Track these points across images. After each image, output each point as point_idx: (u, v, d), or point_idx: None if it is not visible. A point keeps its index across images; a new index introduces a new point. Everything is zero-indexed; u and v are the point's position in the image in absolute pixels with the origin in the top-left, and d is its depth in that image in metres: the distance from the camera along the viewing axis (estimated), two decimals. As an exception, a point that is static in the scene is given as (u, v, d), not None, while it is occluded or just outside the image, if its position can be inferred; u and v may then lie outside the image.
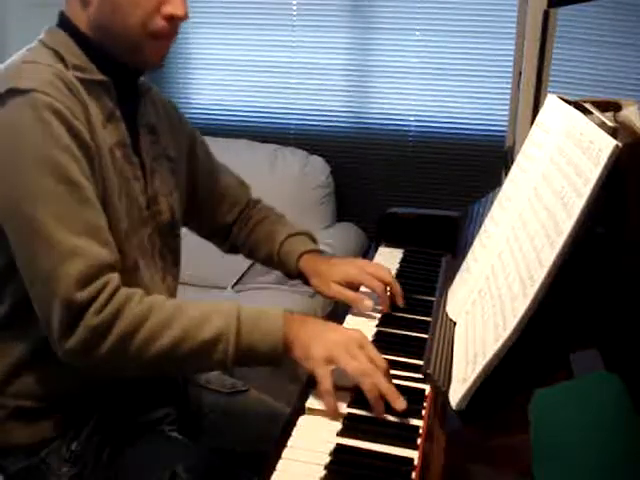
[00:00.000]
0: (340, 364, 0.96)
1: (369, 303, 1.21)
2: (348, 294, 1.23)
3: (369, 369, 0.94)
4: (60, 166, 0.97)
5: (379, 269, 1.27)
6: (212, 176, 1.36)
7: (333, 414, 0.93)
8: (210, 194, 1.35)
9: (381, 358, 0.98)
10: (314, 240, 1.36)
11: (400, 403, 0.93)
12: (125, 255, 1.07)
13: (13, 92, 0.97)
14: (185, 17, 1.08)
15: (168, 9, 1.06)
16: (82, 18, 1.08)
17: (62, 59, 1.05)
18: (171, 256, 1.23)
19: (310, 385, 0.99)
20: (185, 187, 1.29)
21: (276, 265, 1.36)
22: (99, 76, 1.08)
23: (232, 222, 1.39)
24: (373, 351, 0.98)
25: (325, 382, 0.95)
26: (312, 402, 0.96)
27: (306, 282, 1.32)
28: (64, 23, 1.10)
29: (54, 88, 0.99)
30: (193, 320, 0.98)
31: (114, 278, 0.99)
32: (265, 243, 1.36)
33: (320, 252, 1.34)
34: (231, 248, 1.43)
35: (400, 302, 1.23)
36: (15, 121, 0.97)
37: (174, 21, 1.08)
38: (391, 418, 0.93)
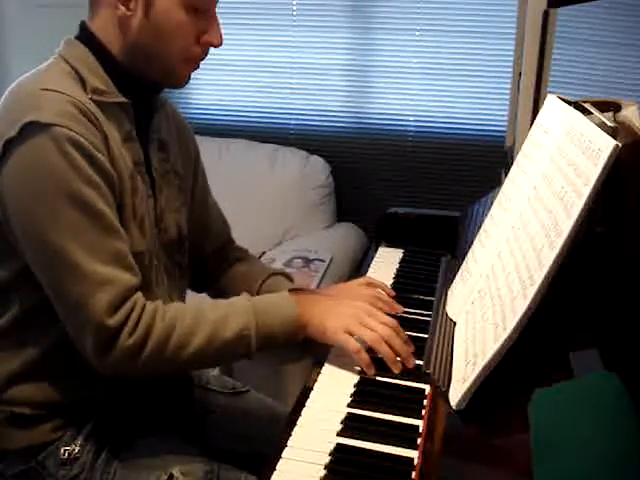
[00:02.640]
0: (356, 334, 1.04)
1: None
2: None
3: (384, 335, 1.04)
4: (84, 198, 0.98)
5: (363, 285, 1.25)
6: (204, 205, 1.35)
7: (368, 369, 1.02)
8: (197, 222, 1.32)
9: (390, 320, 1.08)
10: (291, 280, 1.33)
11: (411, 362, 1.03)
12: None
13: (33, 125, 0.97)
14: (221, 45, 1.10)
15: (207, 39, 1.08)
16: (115, 39, 1.07)
17: (82, 80, 1.05)
18: (177, 271, 1.23)
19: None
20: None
21: None
22: (118, 98, 1.08)
23: (208, 256, 1.37)
24: (382, 317, 1.08)
25: (351, 343, 1.04)
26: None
27: None
28: (87, 37, 1.09)
29: (74, 120, 0.99)
30: (215, 323, 1.04)
31: (139, 298, 1.03)
32: (242, 282, 1.32)
33: (301, 290, 1.28)
34: (199, 284, 1.40)
35: (395, 310, 1.20)
36: (38, 156, 0.98)
37: (209, 47, 1.10)
38: (391, 418, 0.93)
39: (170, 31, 1.05)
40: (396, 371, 1.02)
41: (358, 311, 1.08)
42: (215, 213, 1.38)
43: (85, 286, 0.98)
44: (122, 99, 1.08)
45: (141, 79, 1.10)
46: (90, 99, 1.04)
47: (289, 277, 1.34)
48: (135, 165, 1.10)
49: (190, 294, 1.35)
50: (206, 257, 1.37)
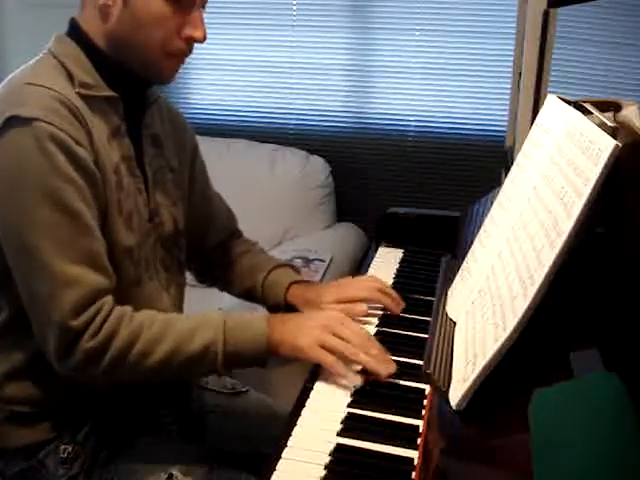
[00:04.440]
0: (329, 345, 1.01)
1: (364, 307, 1.19)
2: (340, 306, 1.20)
3: (358, 343, 1.01)
4: (61, 196, 0.98)
5: (370, 280, 1.26)
6: (205, 196, 1.35)
7: (347, 378, 0.99)
8: (199, 214, 1.32)
9: (361, 327, 1.07)
10: (297, 272, 1.33)
11: (392, 367, 1.01)
12: (126, 271, 1.09)
13: (16, 120, 0.97)
14: (204, 40, 1.08)
15: (189, 31, 1.07)
16: (98, 30, 1.07)
17: (69, 74, 1.05)
18: (175, 265, 1.23)
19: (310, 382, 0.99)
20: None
21: (259, 297, 1.30)
22: (107, 92, 1.08)
23: (213, 248, 1.37)
24: (352, 324, 1.06)
25: (325, 357, 1.01)
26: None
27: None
28: (76, 32, 1.09)
29: (57, 115, 0.99)
30: (182, 334, 1.02)
31: (108, 301, 1.02)
32: (248, 275, 1.32)
33: (306, 282, 1.30)
34: (206, 276, 1.40)
35: (398, 308, 1.21)
36: (17, 151, 0.98)
37: (192, 42, 1.08)
38: (391, 418, 0.93)
39: (149, 21, 1.04)
40: (383, 375, 0.99)
41: (328, 321, 1.05)
42: (217, 204, 1.38)
43: (52, 285, 0.98)
44: (110, 93, 1.08)
45: (130, 72, 1.10)
46: (77, 93, 1.03)
47: (295, 268, 1.33)
48: (124, 160, 1.09)
49: (199, 290, 1.34)
50: (210, 249, 1.37)
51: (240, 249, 1.37)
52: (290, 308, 1.26)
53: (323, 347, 1.02)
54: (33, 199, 0.97)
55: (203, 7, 1.11)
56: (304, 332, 1.04)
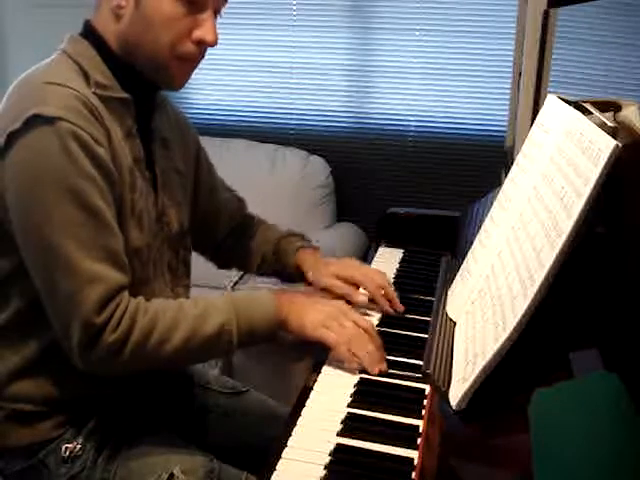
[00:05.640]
0: (333, 330, 1.07)
1: (364, 298, 1.24)
2: (343, 287, 1.26)
3: (357, 335, 1.06)
4: (82, 194, 0.99)
5: (375, 272, 1.30)
6: (212, 191, 1.37)
7: (350, 363, 1.05)
8: (208, 209, 1.35)
9: (364, 320, 1.10)
10: (309, 241, 1.38)
11: (383, 366, 1.04)
12: (134, 271, 1.09)
13: (38, 118, 0.97)
14: (215, 43, 1.08)
15: (199, 34, 1.06)
16: (111, 31, 1.07)
17: (85, 74, 1.05)
18: (182, 267, 1.24)
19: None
20: (191, 199, 1.29)
21: (271, 263, 1.37)
22: (121, 93, 1.08)
23: (225, 236, 1.41)
24: (355, 316, 1.10)
25: (330, 337, 1.06)
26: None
27: (301, 279, 1.33)
28: (90, 33, 1.09)
29: (78, 115, 0.99)
30: (196, 319, 1.05)
31: (125, 295, 1.04)
32: (260, 246, 1.38)
33: (317, 249, 1.36)
34: (224, 261, 1.45)
35: (397, 307, 1.24)
36: (40, 149, 0.98)
37: (203, 46, 1.08)
38: (391, 418, 0.93)
39: (159, 22, 1.04)
40: (371, 373, 1.03)
41: (334, 310, 1.10)
42: (224, 195, 1.40)
43: (75, 282, 0.99)
44: (124, 95, 1.08)
45: (140, 76, 1.10)
46: (93, 93, 1.04)
47: (306, 238, 1.38)
48: (135, 161, 1.10)
49: (202, 290, 1.34)
50: (223, 238, 1.41)
51: (251, 229, 1.41)
52: (296, 276, 1.34)
53: (326, 327, 1.07)
54: (55, 197, 0.98)
55: (219, 14, 1.10)
56: (310, 314, 1.09)
